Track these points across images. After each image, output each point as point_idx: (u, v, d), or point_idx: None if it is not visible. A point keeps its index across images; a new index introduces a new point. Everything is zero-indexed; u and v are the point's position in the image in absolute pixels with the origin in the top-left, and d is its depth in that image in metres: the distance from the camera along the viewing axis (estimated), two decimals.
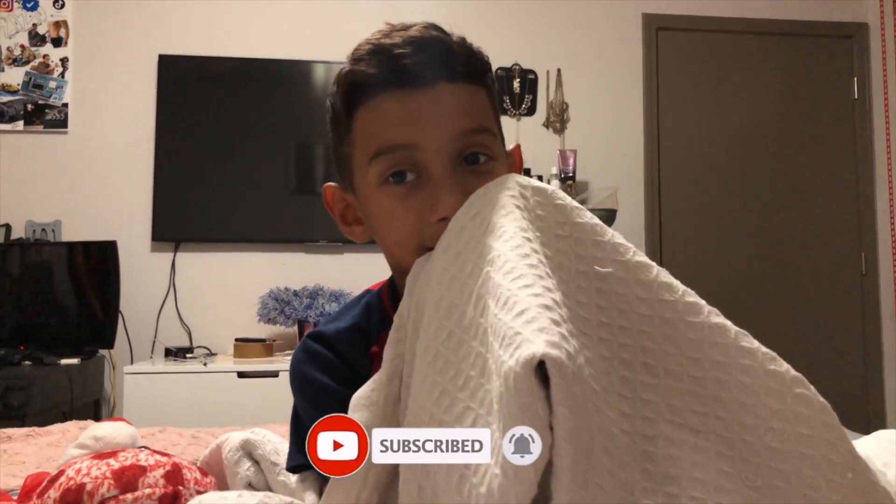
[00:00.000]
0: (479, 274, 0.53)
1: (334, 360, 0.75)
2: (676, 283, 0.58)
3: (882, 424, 3.18)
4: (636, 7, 3.32)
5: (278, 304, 2.80)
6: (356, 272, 3.08)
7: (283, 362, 2.65)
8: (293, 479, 0.88)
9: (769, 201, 3.30)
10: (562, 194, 0.59)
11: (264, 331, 2.93)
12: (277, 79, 3.10)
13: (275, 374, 2.57)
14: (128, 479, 0.74)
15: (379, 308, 0.78)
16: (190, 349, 2.83)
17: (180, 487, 0.78)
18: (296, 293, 2.84)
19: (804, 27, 3.37)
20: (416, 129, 0.65)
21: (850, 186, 3.34)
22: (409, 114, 0.65)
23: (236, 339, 2.80)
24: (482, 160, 0.67)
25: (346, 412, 0.68)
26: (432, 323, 0.55)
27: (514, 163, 0.75)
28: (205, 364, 2.60)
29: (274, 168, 3.07)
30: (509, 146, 0.75)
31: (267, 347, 2.76)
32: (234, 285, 3.01)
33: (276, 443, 0.93)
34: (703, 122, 3.31)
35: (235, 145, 3.03)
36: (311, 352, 0.76)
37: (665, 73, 3.30)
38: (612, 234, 0.57)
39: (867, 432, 2.13)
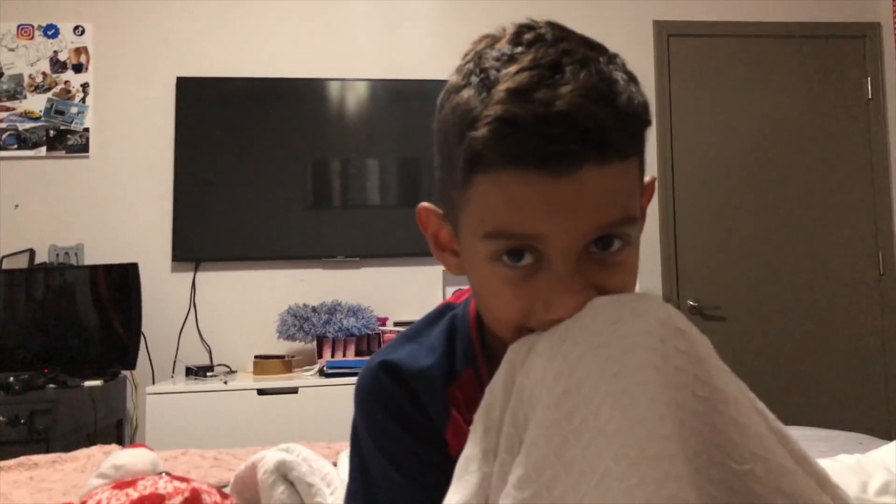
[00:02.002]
0: (584, 432, 0.48)
1: (406, 404, 0.67)
2: (825, 500, 0.49)
3: None
4: (647, 14, 3.33)
5: (297, 321, 2.83)
6: (374, 287, 3.11)
7: (302, 378, 2.67)
8: (330, 499, 0.89)
9: (784, 203, 3.28)
10: (706, 346, 0.52)
11: (283, 347, 2.96)
12: (292, 97, 3.14)
13: (294, 391, 2.59)
14: None
15: (465, 341, 0.70)
16: (210, 367, 2.86)
17: None
18: (314, 309, 2.86)
19: (815, 28, 3.36)
20: (547, 222, 0.53)
21: (865, 187, 3.31)
22: (541, 203, 0.53)
23: (256, 356, 2.83)
24: (615, 246, 0.56)
25: (410, 458, 0.65)
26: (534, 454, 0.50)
27: (647, 198, 0.64)
28: (225, 382, 2.63)
29: (291, 185, 3.10)
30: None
31: (286, 364, 2.79)
32: (253, 302, 3.05)
33: (311, 460, 0.94)
34: (717, 127, 3.30)
35: (252, 164, 3.07)
36: (381, 385, 0.68)
37: (677, 79, 3.30)
38: (755, 417, 0.50)
39: (888, 434, 2.10)
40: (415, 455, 0.66)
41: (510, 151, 0.52)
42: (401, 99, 3.17)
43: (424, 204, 0.68)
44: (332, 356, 2.82)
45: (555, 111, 0.51)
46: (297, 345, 2.95)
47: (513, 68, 0.54)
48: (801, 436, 1.61)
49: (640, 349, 0.49)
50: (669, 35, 3.31)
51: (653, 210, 3.18)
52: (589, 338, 0.51)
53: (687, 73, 3.31)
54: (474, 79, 0.56)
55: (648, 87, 3.28)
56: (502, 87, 0.53)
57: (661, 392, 0.47)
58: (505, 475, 0.51)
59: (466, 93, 0.56)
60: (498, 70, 0.55)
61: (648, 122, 0.57)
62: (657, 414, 0.46)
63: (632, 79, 0.57)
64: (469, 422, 0.64)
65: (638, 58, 3.28)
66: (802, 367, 3.18)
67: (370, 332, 2.86)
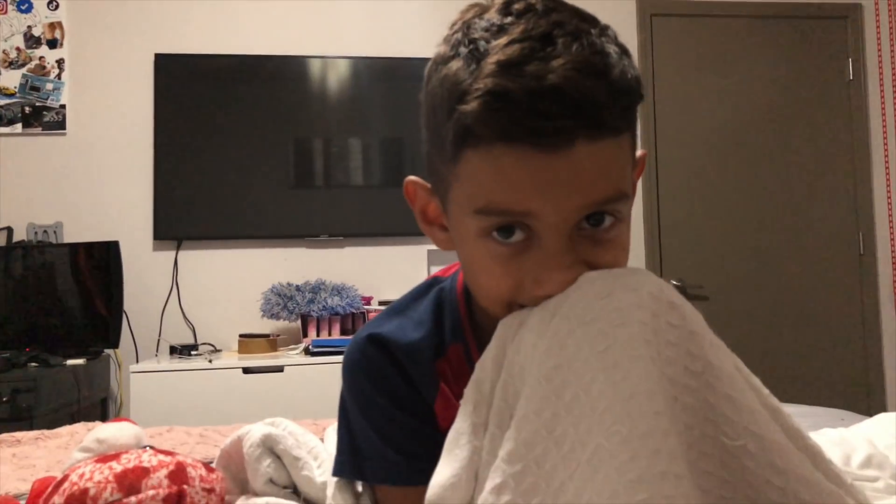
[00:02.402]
0: (575, 407, 0.47)
1: (394, 377, 0.67)
2: (817, 477, 0.49)
3: (882, 403, 3.19)
4: None
5: (281, 300, 2.82)
6: (358, 265, 3.10)
7: (287, 357, 2.67)
8: (319, 477, 0.89)
9: (766, 183, 3.31)
10: (699, 321, 0.51)
11: (268, 326, 2.95)
12: (274, 74, 3.10)
13: (280, 369, 2.59)
14: (130, 481, 0.75)
15: (453, 314, 0.69)
16: (195, 346, 2.85)
17: (185, 486, 0.79)
18: (298, 288, 2.86)
19: (798, 9, 3.37)
20: (538, 198, 0.52)
21: (846, 167, 3.35)
22: (532, 179, 0.52)
23: (240, 335, 2.82)
24: (607, 223, 0.55)
25: (399, 431, 0.66)
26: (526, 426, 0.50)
27: (637, 172, 0.63)
28: (210, 361, 2.62)
29: (273, 163, 3.08)
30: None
31: (271, 342, 2.78)
32: (236, 281, 3.03)
33: (297, 434, 0.93)
34: (700, 106, 3.31)
35: (234, 142, 3.04)
36: (368, 359, 0.68)
37: (660, 59, 3.30)
38: (748, 394, 0.49)
39: (867, 412, 2.14)
40: (403, 427, 0.67)
41: (501, 126, 0.51)
42: (385, 77, 3.14)
43: (412, 178, 0.67)
44: (317, 335, 2.82)
45: (547, 85, 0.50)
46: (281, 324, 2.94)
47: (503, 40, 0.52)
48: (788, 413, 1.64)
49: (632, 323, 0.48)
50: (653, 14, 3.31)
51: (637, 189, 3.18)
52: (580, 312, 0.50)
53: (670, 53, 3.31)
54: (463, 50, 0.54)
55: None
56: (492, 59, 0.51)
57: (653, 367, 0.46)
58: (495, 449, 0.51)
59: (455, 64, 0.54)
60: (487, 41, 0.53)
61: (641, 97, 0.56)
62: (648, 389, 0.45)
63: (624, 52, 0.56)
64: (457, 394, 0.64)
65: (621, 37, 3.25)
66: (784, 345, 3.23)
67: (355, 311, 2.86)
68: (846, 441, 1.14)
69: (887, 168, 3.29)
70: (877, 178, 3.33)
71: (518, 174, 0.52)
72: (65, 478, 0.80)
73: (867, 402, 3.17)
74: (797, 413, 1.67)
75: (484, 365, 0.56)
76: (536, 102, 0.50)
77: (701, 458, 0.46)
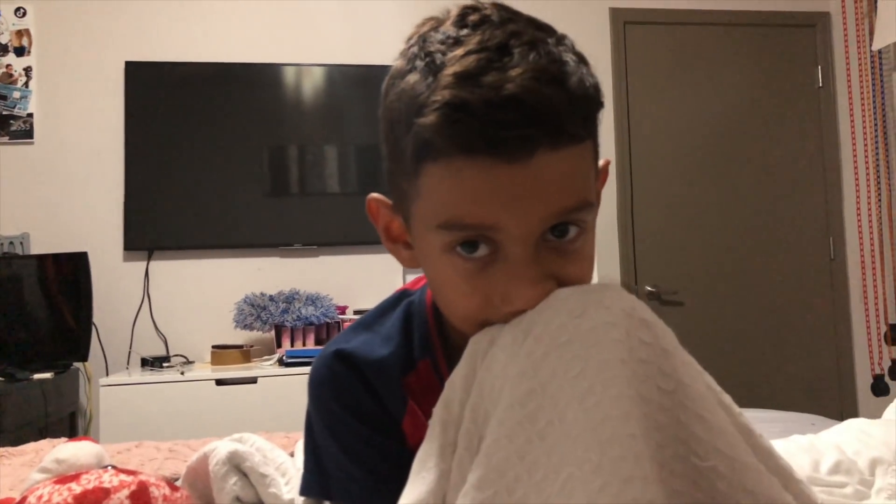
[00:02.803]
0: (548, 434, 0.46)
1: (361, 395, 0.66)
2: (787, 499, 0.48)
3: (853, 407, 3.23)
4: (603, 1, 3.34)
5: (254, 310, 2.79)
6: (332, 274, 3.08)
7: (261, 368, 2.64)
8: (287, 494, 0.87)
9: (738, 189, 3.34)
10: (671, 339, 0.51)
11: (241, 337, 2.91)
12: (247, 82, 3.08)
13: (253, 381, 2.56)
14: (90, 502, 0.74)
15: (422, 329, 0.68)
16: (167, 358, 2.81)
17: None
18: (272, 298, 2.83)
19: (768, 17, 3.41)
20: (501, 210, 0.51)
21: (816, 173, 3.39)
22: (494, 191, 0.51)
23: (213, 347, 2.78)
24: (571, 233, 0.55)
25: (366, 449, 0.64)
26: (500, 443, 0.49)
27: (601, 181, 0.62)
28: (182, 373, 2.58)
29: (247, 172, 3.05)
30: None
31: (245, 354, 2.75)
32: (209, 292, 2.99)
33: (265, 450, 0.92)
34: (672, 113, 3.34)
35: (207, 150, 3.01)
36: (335, 375, 0.66)
37: (633, 66, 3.32)
38: (720, 413, 0.49)
39: (839, 416, 2.16)
40: (370, 446, 0.65)
41: (460, 138, 0.50)
42: (359, 85, 3.13)
43: (374, 195, 0.66)
44: (292, 345, 2.79)
45: (505, 95, 0.49)
46: (255, 334, 2.91)
47: (459, 51, 0.52)
48: (756, 417, 1.65)
49: (606, 343, 0.48)
50: (626, 22, 3.33)
51: (610, 196, 3.21)
52: (553, 333, 0.49)
53: (643, 60, 3.34)
54: (419, 63, 0.54)
55: (605, 73, 3.32)
56: (449, 71, 0.51)
57: (627, 387, 0.46)
58: (464, 472, 0.50)
59: (412, 78, 0.54)
60: (444, 53, 0.53)
61: (601, 105, 0.56)
62: (622, 411, 0.45)
63: (582, 60, 0.55)
64: (426, 411, 0.63)
65: (595, 44, 3.30)
66: (757, 350, 3.26)
67: (329, 321, 2.84)
68: (815, 447, 1.15)
69: (856, 174, 3.34)
70: (846, 183, 3.38)
71: (479, 186, 0.51)
72: (23, 500, 0.78)
73: (839, 407, 3.20)
74: (768, 419, 1.68)
75: (453, 384, 0.55)
76: (495, 112, 0.49)
77: (672, 477, 0.45)
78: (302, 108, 3.12)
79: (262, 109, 3.07)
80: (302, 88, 3.12)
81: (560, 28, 0.57)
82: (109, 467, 0.85)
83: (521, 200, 0.51)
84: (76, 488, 0.76)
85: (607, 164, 0.64)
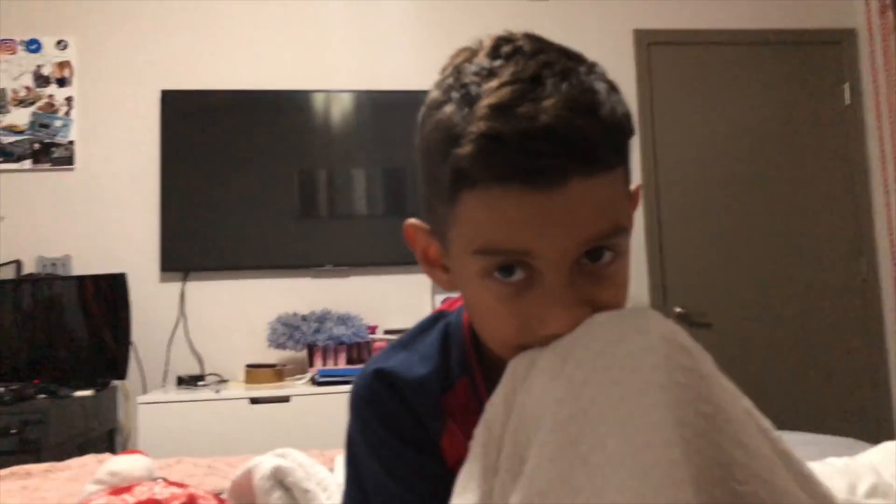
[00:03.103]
0: (590, 460, 0.47)
1: (401, 413, 0.67)
2: None
3: (889, 430, 3.17)
4: (627, 23, 3.37)
5: (287, 330, 2.84)
6: (363, 295, 3.12)
7: (294, 387, 2.69)
8: None
9: (767, 211, 3.33)
10: (709, 363, 0.51)
11: (274, 356, 2.97)
12: (278, 109, 3.16)
13: (286, 399, 2.60)
14: None
15: (459, 349, 0.69)
16: (202, 377, 2.87)
17: None
18: (304, 318, 2.88)
19: (793, 35, 3.42)
20: (536, 237, 0.53)
21: (846, 192, 3.37)
22: (529, 218, 0.53)
23: (247, 366, 2.84)
24: (606, 258, 0.56)
25: (406, 468, 0.65)
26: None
27: (632, 205, 0.63)
28: (217, 391, 2.63)
29: (278, 195, 3.12)
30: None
31: (278, 373, 2.80)
32: (243, 312, 3.06)
33: (306, 466, 0.94)
34: (699, 133, 3.35)
35: (239, 175, 3.09)
36: (375, 394, 0.68)
37: (659, 87, 3.34)
38: (759, 439, 0.49)
39: (875, 439, 2.13)
40: (410, 464, 0.66)
41: (496, 168, 0.52)
42: (384, 109, 3.19)
43: (411, 221, 0.68)
44: (324, 364, 2.84)
45: (539, 126, 0.51)
46: (287, 353, 2.96)
47: (493, 83, 0.54)
48: (791, 440, 1.63)
49: (645, 369, 0.48)
50: (650, 43, 3.36)
51: (638, 217, 3.21)
52: (592, 359, 0.50)
53: (668, 81, 3.36)
54: (455, 94, 0.56)
55: (630, 95, 3.34)
56: (484, 102, 0.53)
57: (667, 413, 0.46)
58: (506, 495, 0.51)
59: (448, 109, 0.56)
60: (478, 85, 0.55)
61: (632, 132, 0.57)
62: (663, 438, 0.45)
63: (613, 88, 0.57)
64: (464, 430, 0.65)
65: (619, 66, 3.33)
66: (789, 372, 3.22)
67: (360, 341, 2.88)
68: (851, 470, 1.14)
69: (887, 192, 3.30)
70: (877, 202, 3.35)
71: (515, 214, 0.53)
72: None
73: (875, 430, 3.15)
74: (803, 441, 1.67)
75: (494, 406, 0.56)
76: (529, 143, 0.51)
77: (712, 502, 0.45)
78: (330, 132, 3.20)
79: (292, 134, 3.15)
80: (329, 114, 3.20)
81: (584, 51, 0.59)
82: (160, 480, 0.89)
83: (556, 227, 0.53)
84: (130, 500, 0.80)
85: (639, 188, 0.65)
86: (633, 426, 0.46)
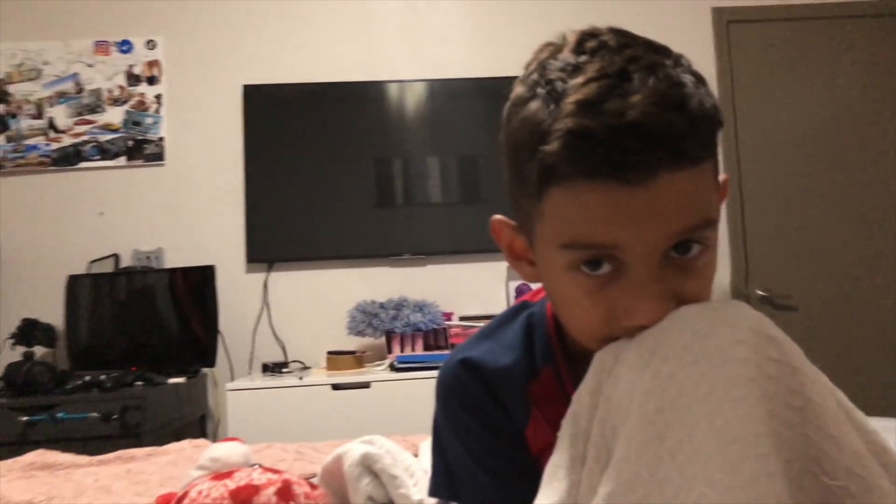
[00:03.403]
0: (678, 453, 0.47)
1: (486, 402, 0.68)
2: None
3: None
4: (705, 1, 3.28)
5: (366, 317, 2.91)
6: (438, 282, 3.17)
7: (373, 373, 2.75)
8: (415, 495, 0.93)
9: (853, 187, 3.19)
10: (799, 356, 0.50)
11: (354, 343, 3.04)
12: (353, 99, 3.22)
13: (367, 385, 2.66)
14: (243, 498, 0.82)
15: (543, 339, 0.71)
16: (285, 364, 2.97)
17: (291, 503, 0.86)
18: (382, 305, 2.94)
19: (881, 6, 3.24)
20: (624, 231, 0.53)
21: None
22: (617, 213, 0.53)
23: (328, 352, 2.92)
24: (694, 250, 0.56)
25: (491, 455, 0.67)
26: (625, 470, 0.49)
27: (720, 196, 0.63)
28: (300, 378, 2.72)
29: (355, 185, 3.18)
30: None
31: (358, 359, 2.87)
32: (323, 300, 3.15)
33: (394, 452, 0.97)
34: (783, 113, 3.23)
35: (318, 166, 3.17)
36: (461, 383, 0.69)
37: (739, 66, 3.24)
38: (851, 433, 0.48)
39: None
40: (495, 452, 0.68)
41: (584, 164, 0.52)
42: (455, 97, 3.21)
43: (497, 217, 0.69)
44: (401, 351, 2.89)
45: (627, 121, 0.51)
46: (366, 340, 3.03)
47: (580, 79, 0.54)
48: (883, 427, 1.59)
49: (733, 362, 0.48)
50: (729, 21, 3.25)
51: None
52: (679, 352, 0.50)
53: (749, 60, 3.25)
54: (541, 91, 0.56)
55: (710, 74, 3.24)
56: (571, 99, 0.53)
57: (757, 406, 0.46)
58: (593, 485, 0.52)
59: (534, 105, 0.56)
60: (564, 81, 0.54)
61: (720, 124, 0.56)
62: (752, 432, 0.45)
63: (700, 80, 0.56)
64: (549, 419, 0.67)
65: (698, 46, 3.25)
66: (877, 356, 3.09)
67: (437, 327, 2.92)
68: None
69: None
70: None
71: (602, 209, 0.53)
72: (185, 494, 0.88)
73: None
74: (893, 427, 1.61)
75: (580, 398, 0.57)
76: (617, 139, 0.51)
77: (800, 492, 0.45)
78: (404, 121, 3.24)
79: (368, 124, 3.20)
80: (404, 103, 3.23)
81: (662, 31, 0.59)
82: (257, 466, 0.94)
83: (644, 221, 0.53)
84: (230, 484, 0.85)
85: (727, 180, 0.65)
86: (722, 420, 0.46)
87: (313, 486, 0.93)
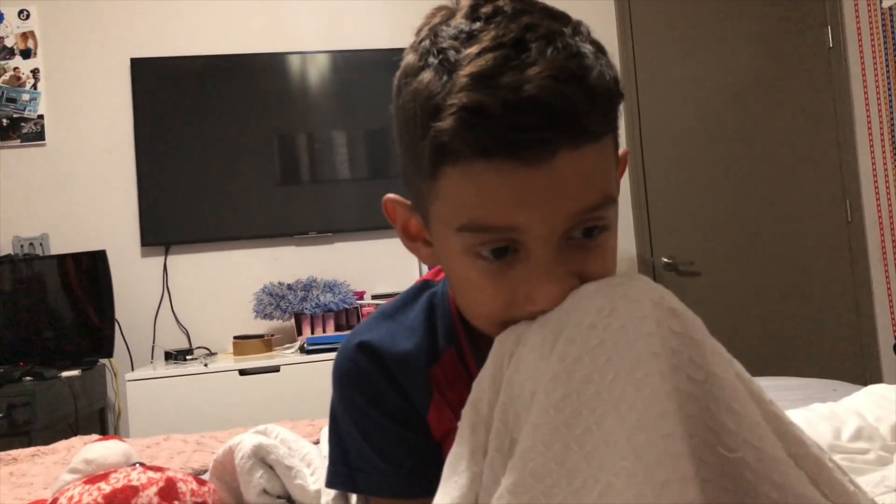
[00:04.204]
0: (586, 441, 0.46)
1: (386, 387, 0.65)
2: (814, 494, 0.47)
3: (876, 372, 3.21)
4: None
5: (273, 299, 2.82)
6: (347, 261, 3.10)
7: (283, 357, 2.67)
8: (313, 485, 0.88)
9: (751, 156, 3.31)
10: (700, 328, 0.50)
11: (262, 326, 2.95)
12: (253, 73, 3.08)
13: (276, 370, 2.59)
14: (120, 501, 0.75)
15: (446, 319, 0.68)
16: (190, 351, 2.85)
17: (175, 503, 0.80)
18: (290, 287, 2.85)
19: None
20: (523, 212, 0.51)
21: (830, 135, 3.34)
22: (515, 193, 0.50)
23: (235, 337, 2.82)
24: (595, 232, 0.54)
25: (392, 442, 0.64)
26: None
27: (620, 170, 0.61)
28: (205, 364, 2.62)
29: (257, 162, 3.07)
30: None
31: (266, 343, 2.78)
32: (227, 283, 3.03)
33: (289, 441, 0.92)
34: (682, 83, 3.30)
35: (217, 143, 3.02)
36: (360, 370, 0.66)
37: (640, 38, 3.29)
38: (750, 405, 0.48)
39: (862, 380, 2.14)
40: (396, 440, 0.65)
41: (479, 142, 0.49)
42: (361, 69, 3.13)
43: (390, 196, 0.65)
44: (312, 333, 2.82)
45: (524, 97, 0.48)
46: (275, 323, 2.94)
47: (474, 48, 0.50)
48: (776, 385, 1.65)
49: (638, 340, 0.47)
50: None
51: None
52: (584, 335, 0.48)
53: (649, 31, 3.30)
54: (432, 60, 0.52)
55: (611, 46, 3.28)
56: (465, 71, 0.49)
57: (661, 383, 0.45)
58: (496, 475, 0.50)
59: (426, 76, 0.52)
60: (457, 51, 0.51)
61: (621, 97, 0.54)
62: (656, 412, 0.44)
63: (600, 50, 0.54)
64: (452, 402, 0.64)
65: (600, 18, 3.27)
66: (775, 317, 3.24)
67: (348, 307, 2.86)
68: (836, 415, 1.15)
69: (870, 135, 3.29)
70: (861, 144, 3.33)
71: (500, 190, 0.50)
72: (54, 501, 0.80)
73: (861, 372, 3.19)
74: (789, 386, 1.68)
75: (481, 384, 0.54)
76: (514, 116, 0.48)
77: (701, 465, 0.44)
78: (308, 95, 3.13)
79: (269, 99, 3.08)
80: (306, 76, 3.12)
81: (564, 2, 0.56)
82: (137, 465, 0.87)
83: (543, 202, 0.50)
84: (105, 488, 0.78)
85: (626, 154, 0.63)
86: (627, 404, 0.45)
87: (201, 482, 0.86)
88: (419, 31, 0.57)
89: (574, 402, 0.47)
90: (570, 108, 0.49)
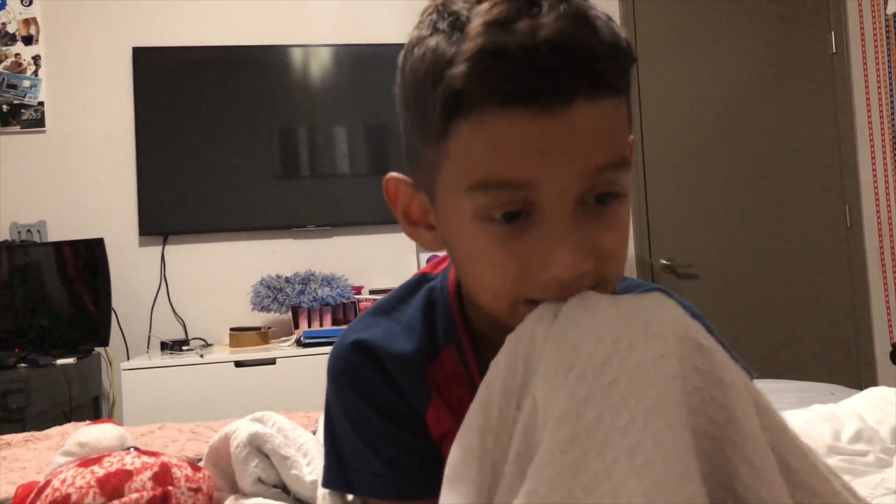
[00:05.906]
0: (594, 489, 0.42)
1: (382, 387, 0.63)
2: None
3: (872, 376, 3.21)
4: None
5: (270, 292, 2.81)
6: (346, 255, 3.09)
7: (279, 349, 2.66)
8: (309, 475, 0.86)
9: (752, 159, 3.30)
10: (727, 366, 0.47)
11: (258, 319, 2.94)
12: (255, 65, 3.07)
13: (272, 362, 2.58)
14: (113, 485, 0.74)
15: (445, 314, 0.65)
16: (186, 341, 2.84)
17: (170, 487, 0.79)
18: (287, 280, 2.84)
19: None
20: (537, 165, 0.48)
21: (831, 141, 3.34)
22: (530, 144, 0.48)
23: (231, 329, 2.81)
24: (609, 199, 0.52)
25: (388, 443, 0.62)
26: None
27: (629, 151, 0.59)
28: (201, 355, 2.61)
29: (258, 155, 3.05)
30: None
31: (262, 335, 2.77)
32: (225, 275, 3.01)
33: (286, 430, 0.91)
34: (684, 85, 3.30)
35: (217, 134, 3.01)
36: (356, 369, 0.64)
37: (643, 38, 3.28)
38: (770, 459, 0.45)
39: (858, 385, 2.14)
40: (393, 440, 0.63)
41: (495, 85, 0.47)
42: (365, 64, 3.11)
43: (392, 174, 0.62)
44: (309, 326, 2.81)
45: (541, 39, 0.46)
46: (272, 316, 2.93)
47: (485, 4, 0.49)
48: (775, 388, 1.64)
49: (656, 382, 0.43)
50: None
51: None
52: (597, 370, 0.45)
53: (652, 32, 3.29)
54: (442, 24, 0.51)
55: None
56: (478, 21, 0.48)
57: (681, 433, 0.42)
58: (513, 496, 0.46)
59: (434, 39, 0.51)
60: (469, 10, 0.50)
61: (634, 58, 0.53)
62: (677, 472, 0.41)
63: (609, 19, 0.53)
64: (451, 401, 0.62)
65: None
66: (774, 320, 3.24)
67: (346, 301, 2.85)
68: (836, 417, 1.15)
69: (871, 141, 3.29)
70: (861, 150, 3.32)
71: (514, 140, 0.48)
72: (47, 483, 0.79)
73: (858, 376, 3.19)
74: (787, 389, 1.67)
75: (492, 388, 0.50)
76: (531, 57, 0.46)
77: None
78: (309, 89, 3.12)
79: (270, 92, 3.07)
80: (309, 70, 3.11)
81: None
82: (132, 449, 0.86)
83: (559, 154, 0.48)
84: (99, 471, 0.77)
85: (633, 140, 0.60)
86: (643, 458, 0.41)
87: (196, 469, 0.86)
88: (424, 11, 0.56)
89: (582, 444, 0.43)
90: (588, 53, 0.48)
